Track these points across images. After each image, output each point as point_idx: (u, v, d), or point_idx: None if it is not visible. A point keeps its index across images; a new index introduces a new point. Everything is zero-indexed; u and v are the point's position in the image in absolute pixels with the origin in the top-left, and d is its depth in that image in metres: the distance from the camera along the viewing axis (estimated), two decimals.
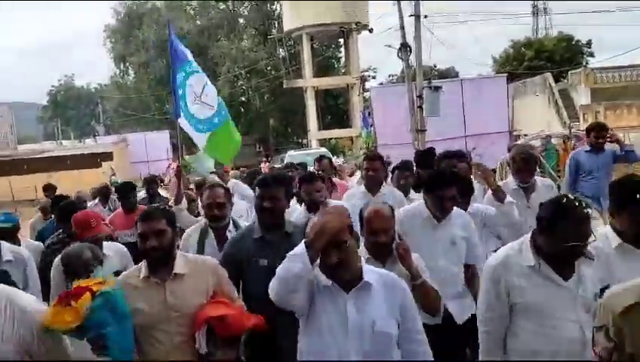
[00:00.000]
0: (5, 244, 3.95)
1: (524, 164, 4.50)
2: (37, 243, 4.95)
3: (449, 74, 58.26)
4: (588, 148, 6.40)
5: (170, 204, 5.38)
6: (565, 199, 2.54)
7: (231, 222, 3.80)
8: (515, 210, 3.97)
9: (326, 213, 2.37)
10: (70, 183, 25.23)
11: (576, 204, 2.46)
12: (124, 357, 2.50)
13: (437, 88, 15.04)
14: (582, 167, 6.24)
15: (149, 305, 2.69)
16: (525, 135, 20.14)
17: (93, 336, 2.43)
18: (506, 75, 20.29)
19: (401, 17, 16.69)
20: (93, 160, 29.28)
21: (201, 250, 3.58)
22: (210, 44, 38.36)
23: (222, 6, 41.17)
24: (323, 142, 35.35)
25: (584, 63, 45.12)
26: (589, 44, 45.86)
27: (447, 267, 3.40)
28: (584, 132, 18.21)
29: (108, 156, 29.56)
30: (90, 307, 2.36)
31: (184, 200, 5.44)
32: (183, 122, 5.50)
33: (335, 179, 6.76)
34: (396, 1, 16.70)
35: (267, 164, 24.69)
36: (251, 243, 3.22)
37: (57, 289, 3.39)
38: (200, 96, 5.53)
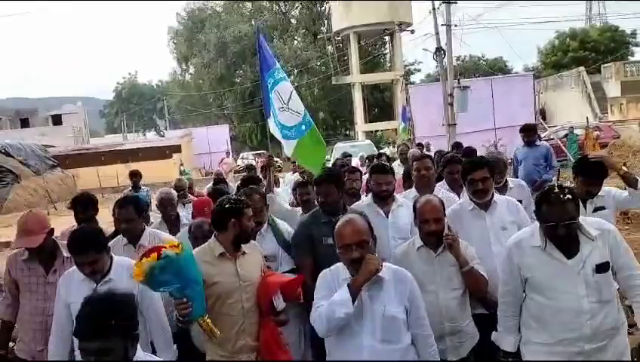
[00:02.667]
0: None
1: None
2: None
3: (496, 63, 59.30)
4: (523, 143, 7.69)
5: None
6: (549, 187, 2.83)
7: (266, 224, 3.84)
8: None
9: (367, 261, 2.61)
10: (146, 172, 28.54)
11: (555, 190, 2.75)
12: (195, 316, 2.82)
13: (465, 87, 17.24)
14: (517, 157, 7.64)
15: (223, 276, 3.12)
16: (551, 126, 21.96)
17: (169, 292, 2.78)
18: (532, 73, 22.18)
19: (435, 25, 19.02)
20: (164, 152, 32.24)
21: None
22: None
23: (275, 7, 43.88)
24: (369, 134, 37.34)
25: (629, 54, 45.26)
26: (633, 34, 45.75)
27: (501, 252, 3.29)
28: (608, 123, 20.14)
29: (177, 148, 32.49)
30: (150, 266, 2.61)
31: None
32: (271, 125, 5.47)
33: None
34: (431, 11, 19.00)
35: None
36: (319, 225, 3.70)
37: None
38: (287, 103, 5.38)
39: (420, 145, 14.05)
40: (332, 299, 2.58)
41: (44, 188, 23.34)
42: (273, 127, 5.49)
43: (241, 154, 34.77)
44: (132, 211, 3.86)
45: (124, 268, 3.12)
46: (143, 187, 8.73)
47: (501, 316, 3.03)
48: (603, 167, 3.78)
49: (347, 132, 46.54)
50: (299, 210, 5.05)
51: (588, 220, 2.90)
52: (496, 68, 58.45)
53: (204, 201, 4.91)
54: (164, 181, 27.05)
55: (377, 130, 38.64)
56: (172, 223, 5.09)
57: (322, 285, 2.76)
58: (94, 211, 4.52)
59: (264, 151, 27.89)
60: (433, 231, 3.23)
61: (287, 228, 4.01)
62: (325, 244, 3.48)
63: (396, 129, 37.45)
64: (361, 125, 38.18)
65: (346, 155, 10.39)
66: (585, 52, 42.24)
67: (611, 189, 3.91)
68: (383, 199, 4.06)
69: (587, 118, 20.61)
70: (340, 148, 20.93)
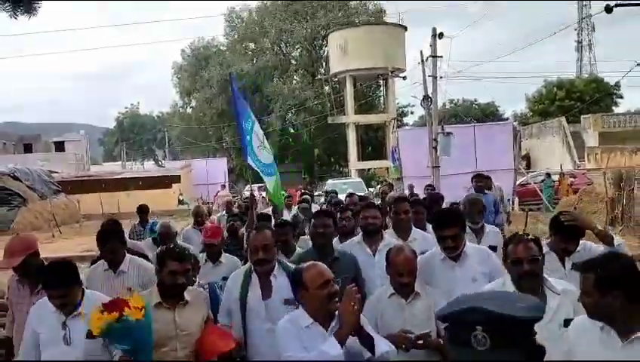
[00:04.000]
0: None
1: (472, 207, 4.92)
2: None
3: (488, 108, 61.46)
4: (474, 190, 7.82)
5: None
6: (515, 233, 3.01)
7: (277, 265, 3.43)
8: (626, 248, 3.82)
9: (346, 310, 2.64)
10: (146, 201, 29.69)
11: (520, 234, 2.99)
12: None
13: (449, 133, 18.79)
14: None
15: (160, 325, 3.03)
16: (528, 172, 23.50)
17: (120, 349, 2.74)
18: (512, 121, 23.73)
19: (424, 75, 20.73)
20: (163, 181, 33.42)
21: (244, 295, 3.32)
22: (265, 83, 43.20)
23: (276, 48, 46.00)
24: (362, 172, 39.07)
25: (613, 104, 47.15)
26: (617, 86, 47.71)
27: None
28: (582, 171, 21.63)
29: (176, 179, 33.73)
30: (108, 324, 2.61)
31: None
32: (252, 164, 5.54)
33: None
34: (419, 63, 20.74)
35: (299, 192, 28.38)
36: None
37: None
38: (263, 142, 5.64)
39: (410, 186, 15.40)
40: (323, 351, 2.57)
41: (49, 212, 24.50)
42: (254, 166, 5.59)
43: (247, 186, 36.08)
44: (116, 243, 4.05)
45: (93, 303, 3.04)
46: (150, 220, 8.47)
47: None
48: (578, 227, 3.73)
49: (341, 169, 48.05)
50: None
51: (551, 279, 3.00)
52: (488, 112, 60.66)
53: (214, 228, 5.18)
54: (163, 209, 28.42)
55: (370, 168, 40.16)
56: None
57: (289, 335, 2.74)
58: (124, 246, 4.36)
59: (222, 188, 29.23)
60: (405, 284, 3.26)
61: None
62: None
63: (388, 168, 39.20)
64: (354, 163, 39.68)
65: (332, 192, 11.33)
66: (571, 101, 43.59)
67: (586, 243, 3.79)
68: (371, 235, 4.25)
69: (561, 165, 22.17)
70: (331, 184, 22.12)
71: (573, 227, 3.65)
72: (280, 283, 3.29)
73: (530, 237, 2.96)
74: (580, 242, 3.74)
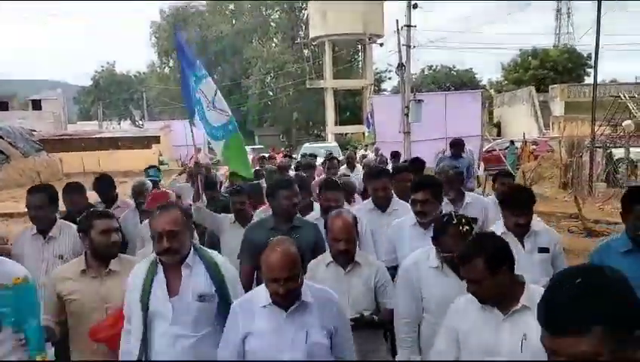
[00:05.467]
0: None
1: (447, 181, 4.45)
2: None
3: (467, 75, 62.50)
4: (449, 155, 8.14)
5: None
6: (447, 218, 2.88)
7: (192, 251, 2.74)
8: None
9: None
10: (126, 161, 30.31)
11: (454, 221, 2.81)
12: (32, 353, 2.59)
13: (420, 101, 19.82)
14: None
15: (84, 295, 2.90)
16: (494, 139, 24.77)
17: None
18: (481, 90, 24.86)
19: (399, 44, 21.59)
20: (143, 142, 34.09)
21: (146, 293, 2.63)
22: (245, 45, 43.48)
23: (256, 11, 46.09)
24: (339, 136, 39.79)
25: (585, 75, 48.47)
26: (589, 57, 48.91)
27: None
28: (545, 139, 22.93)
29: (156, 140, 34.35)
30: None
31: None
32: (198, 124, 4.88)
33: None
34: (395, 31, 21.57)
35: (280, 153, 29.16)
36: (265, 231, 3.39)
37: None
38: (212, 102, 4.85)
39: (377, 149, 16.42)
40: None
41: (32, 170, 25.06)
42: (200, 127, 4.87)
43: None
44: (44, 198, 3.74)
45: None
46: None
47: (401, 337, 2.97)
48: (529, 195, 3.46)
49: (319, 133, 48.78)
50: (230, 216, 4.72)
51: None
52: (466, 79, 61.71)
53: (157, 194, 4.56)
54: (142, 169, 28.99)
55: (347, 133, 41.11)
56: (144, 213, 4.58)
57: (229, 323, 2.51)
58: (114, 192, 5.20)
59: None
60: (343, 251, 3.11)
61: (224, 262, 2.91)
62: None
63: (364, 133, 40.17)
64: (331, 127, 40.65)
65: (310, 155, 11.35)
66: (544, 70, 44.57)
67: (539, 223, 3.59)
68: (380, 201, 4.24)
69: (524, 133, 23.45)
70: (307, 148, 22.88)
71: (522, 195, 3.45)
72: (194, 275, 2.66)
73: (465, 227, 2.81)
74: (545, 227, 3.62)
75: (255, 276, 3.55)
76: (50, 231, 3.71)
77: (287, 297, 2.39)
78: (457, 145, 8.28)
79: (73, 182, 4.80)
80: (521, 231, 3.39)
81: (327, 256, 3.24)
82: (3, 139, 26.15)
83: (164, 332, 2.59)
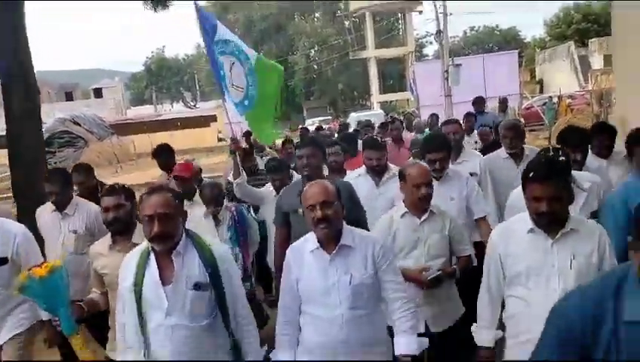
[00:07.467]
0: None
1: (510, 132, 4.38)
2: None
3: (510, 33, 61.98)
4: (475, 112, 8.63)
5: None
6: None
7: (184, 236, 2.54)
8: None
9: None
10: (188, 139, 32.69)
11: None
12: (66, 333, 2.79)
13: (457, 65, 21.18)
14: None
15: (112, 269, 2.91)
16: (532, 96, 25.84)
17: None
18: (516, 51, 25.89)
19: (436, 12, 22.94)
20: (200, 121, 36.11)
21: (138, 283, 2.47)
22: (288, 22, 45.23)
23: None
24: (384, 104, 41.24)
25: None
26: None
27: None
28: (582, 92, 23.83)
29: (213, 118, 36.29)
30: (19, 283, 2.73)
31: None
32: (228, 101, 4.82)
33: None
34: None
35: (336, 121, 30.60)
36: (293, 196, 3.29)
37: None
38: (231, 79, 4.77)
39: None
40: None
41: (108, 152, 27.89)
42: (230, 105, 4.84)
43: (307, 121, 36.39)
44: (61, 182, 4.13)
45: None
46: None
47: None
48: (584, 133, 3.72)
49: (364, 102, 50.15)
50: (272, 189, 4.81)
51: (578, 174, 3.17)
52: (510, 38, 61.36)
53: (184, 164, 4.99)
54: (203, 146, 31.35)
55: (392, 100, 42.53)
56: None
57: (285, 271, 2.70)
58: (173, 160, 5.43)
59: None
60: (424, 196, 3.15)
61: (221, 250, 2.66)
62: (297, 214, 3.27)
63: (408, 99, 41.42)
64: (376, 96, 42.09)
65: (368, 125, 10.18)
66: (587, 24, 44.00)
67: (531, 147, 4.12)
68: (375, 173, 4.17)
69: (560, 88, 24.43)
70: (354, 117, 24.41)
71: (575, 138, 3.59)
72: (187, 262, 2.50)
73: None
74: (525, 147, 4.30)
75: (255, 261, 4.55)
76: (66, 209, 4.10)
77: (326, 223, 2.52)
78: (478, 103, 8.98)
79: (81, 164, 5.28)
80: (518, 158, 4.20)
81: (400, 208, 3.30)
82: (80, 126, 29.03)
83: (159, 323, 2.44)
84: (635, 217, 1.51)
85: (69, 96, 53.40)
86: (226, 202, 4.48)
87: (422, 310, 3.10)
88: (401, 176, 3.27)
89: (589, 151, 3.76)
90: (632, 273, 1.48)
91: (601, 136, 4.10)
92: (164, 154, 5.58)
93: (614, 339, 1.45)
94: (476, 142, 7.15)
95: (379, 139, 4.51)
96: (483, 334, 2.71)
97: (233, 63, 4.80)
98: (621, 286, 1.49)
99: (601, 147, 4.08)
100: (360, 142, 5.45)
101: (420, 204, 3.19)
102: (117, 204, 3.07)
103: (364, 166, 4.27)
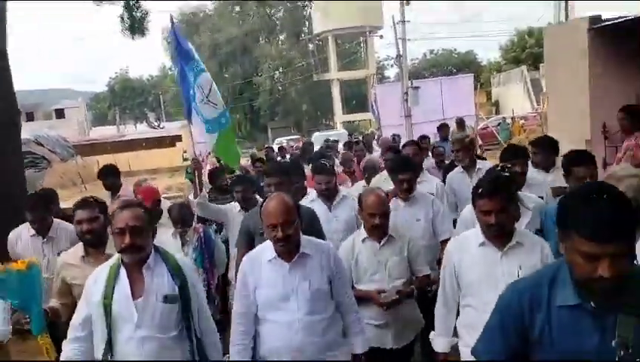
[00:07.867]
0: None
1: (456, 145, 5.01)
2: None
3: (467, 56, 64.09)
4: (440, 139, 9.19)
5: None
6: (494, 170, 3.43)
7: (153, 252, 2.63)
8: None
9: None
10: (152, 159, 32.79)
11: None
12: (35, 332, 2.77)
13: (416, 87, 22.28)
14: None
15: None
16: (487, 117, 27.09)
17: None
18: (472, 74, 27.14)
19: (395, 36, 24.02)
20: (165, 141, 36.20)
21: (109, 296, 2.51)
22: (253, 45, 46.07)
23: (261, 11, 48.48)
24: (347, 124, 42.41)
25: None
26: None
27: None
28: (533, 113, 25.11)
29: (178, 138, 36.22)
30: None
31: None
32: (195, 121, 4.99)
33: None
34: (391, 26, 23.97)
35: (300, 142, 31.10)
36: (258, 217, 3.06)
37: None
38: (207, 95, 4.93)
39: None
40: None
41: (72, 172, 27.79)
42: (196, 123, 5.05)
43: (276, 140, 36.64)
44: (42, 208, 4.29)
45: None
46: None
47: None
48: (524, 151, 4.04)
49: (327, 122, 51.18)
50: (235, 205, 4.92)
51: (524, 195, 3.46)
52: (468, 61, 63.48)
53: (146, 189, 5.13)
54: (168, 166, 31.50)
55: (354, 120, 43.62)
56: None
57: (240, 280, 2.78)
58: (119, 181, 5.62)
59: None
60: (378, 225, 3.29)
61: (186, 263, 2.83)
62: (262, 238, 3.11)
63: (370, 119, 42.37)
64: (339, 116, 43.22)
65: (334, 141, 12.06)
66: (540, 48, 46.27)
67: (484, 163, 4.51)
68: (326, 197, 4.28)
69: (512, 110, 25.76)
70: (318, 136, 25.27)
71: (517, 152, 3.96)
72: (157, 276, 2.58)
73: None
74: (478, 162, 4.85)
75: (220, 282, 4.62)
76: (48, 233, 4.23)
77: (286, 242, 2.62)
78: (444, 129, 9.41)
79: (45, 190, 5.49)
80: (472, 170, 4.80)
81: (361, 233, 3.45)
82: (43, 146, 28.87)
83: (130, 336, 2.49)
84: (557, 210, 1.66)
85: (29, 117, 52.35)
86: (194, 223, 4.58)
87: (386, 328, 3.34)
88: (359, 201, 3.43)
89: (530, 166, 4.04)
90: (564, 265, 1.68)
91: (542, 151, 4.36)
92: (110, 177, 5.68)
93: (547, 321, 1.68)
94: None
95: (327, 164, 4.60)
96: (439, 341, 2.91)
97: (212, 82, 5.07)
98: (555, 276, 1.69)
99: (541, 161, 4.35)
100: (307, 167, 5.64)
101: (374, 232, 3.36)
102: (91, 217, 3.14)
103: (314, 191, 4.41)
